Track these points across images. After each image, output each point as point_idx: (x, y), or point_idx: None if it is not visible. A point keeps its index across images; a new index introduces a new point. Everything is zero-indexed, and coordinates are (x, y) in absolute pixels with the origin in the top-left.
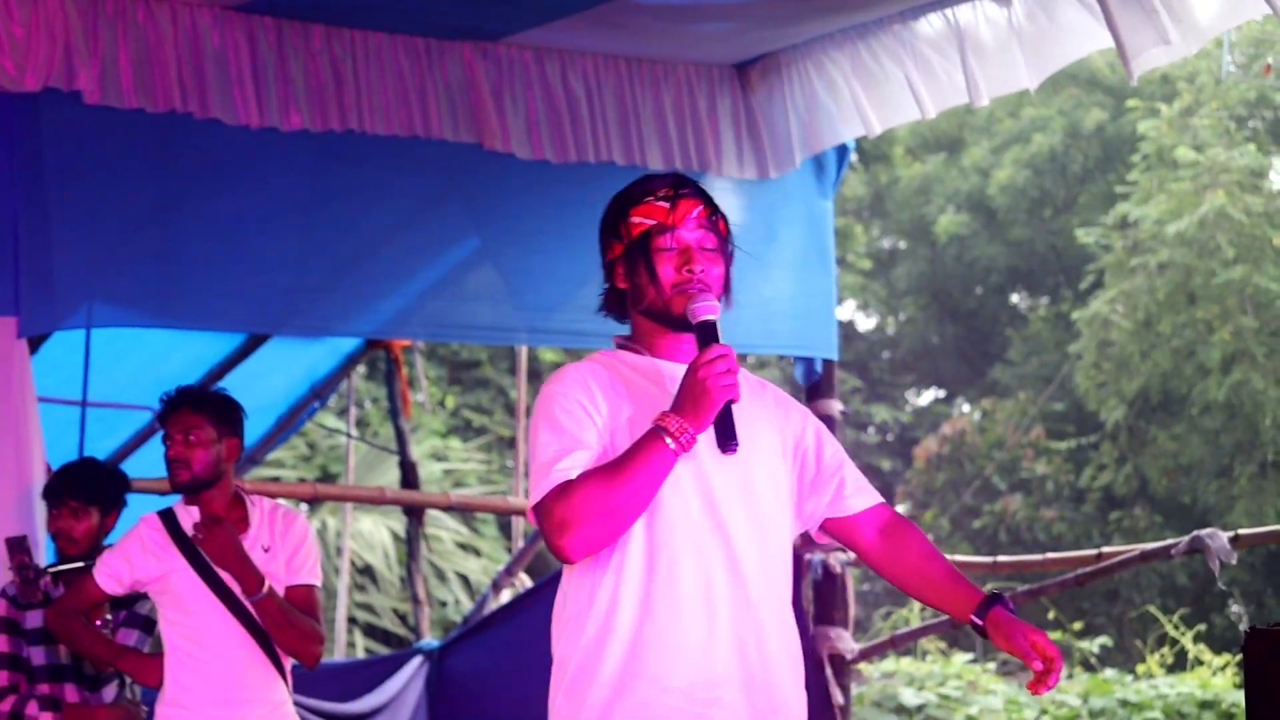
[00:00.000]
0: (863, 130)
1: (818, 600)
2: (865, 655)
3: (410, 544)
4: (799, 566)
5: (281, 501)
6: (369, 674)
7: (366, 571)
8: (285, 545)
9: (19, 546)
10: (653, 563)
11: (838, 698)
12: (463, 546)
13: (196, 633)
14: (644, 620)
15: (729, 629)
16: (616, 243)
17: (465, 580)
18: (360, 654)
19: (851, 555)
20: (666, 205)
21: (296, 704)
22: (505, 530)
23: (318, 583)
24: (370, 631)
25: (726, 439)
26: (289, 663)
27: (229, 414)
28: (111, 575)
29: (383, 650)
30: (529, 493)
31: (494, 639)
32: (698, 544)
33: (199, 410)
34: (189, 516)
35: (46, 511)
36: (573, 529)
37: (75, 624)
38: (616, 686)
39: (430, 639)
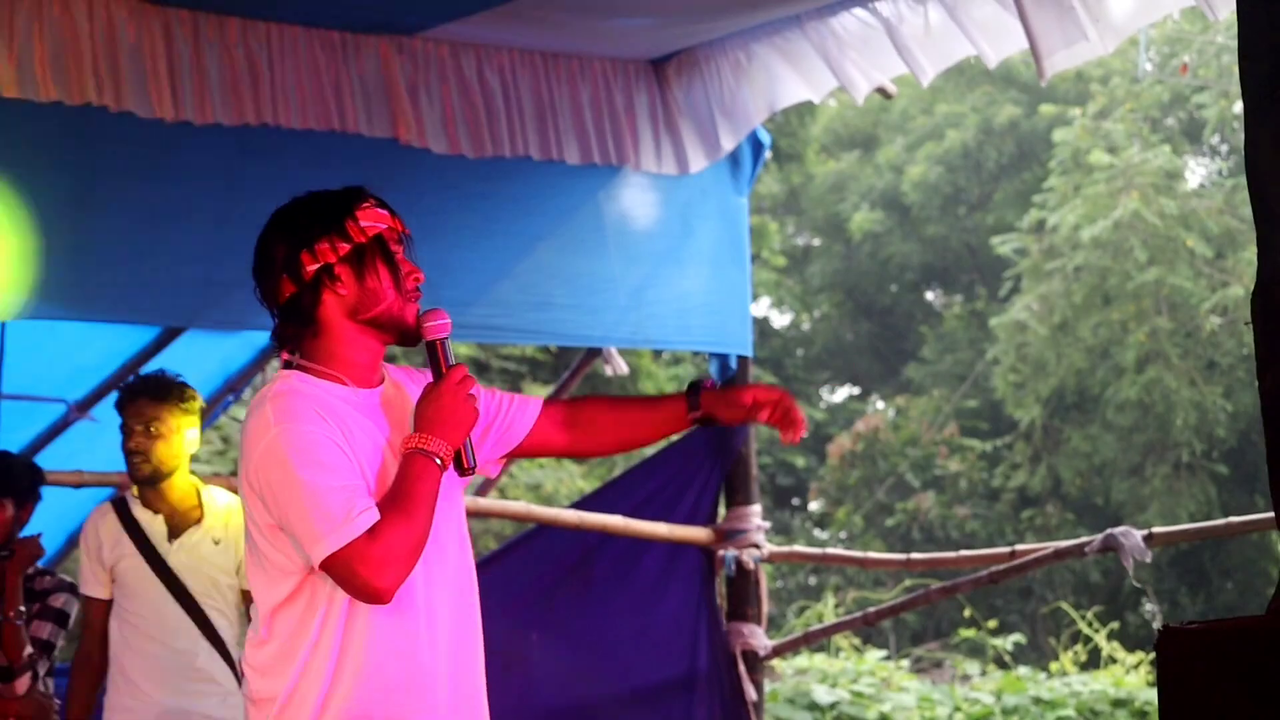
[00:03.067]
0: (773, 115)
1: (731, 596)
2: (778, 652)
3: None
4: (711, 563)
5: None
6: None
7: None
8: (239, 542)
9: None
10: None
11: (751, 694)
12: None
13: (143, 621)
14: (372, 653)
15: (448, 651)
16: (340, 244)
17: None
18: None
19: (765, 551)
20: (389, 214)
21: None
22: None
23: None
24: None
25: (467, 461)
26: (237, 653)
27: (190, 403)
28: (93, 582)
29: None
30: (310, 541)
31: None
32: (426, 567)
33: (160, 400)
34: (141, 505)
35: None
36: (393, 569)
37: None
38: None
39: None
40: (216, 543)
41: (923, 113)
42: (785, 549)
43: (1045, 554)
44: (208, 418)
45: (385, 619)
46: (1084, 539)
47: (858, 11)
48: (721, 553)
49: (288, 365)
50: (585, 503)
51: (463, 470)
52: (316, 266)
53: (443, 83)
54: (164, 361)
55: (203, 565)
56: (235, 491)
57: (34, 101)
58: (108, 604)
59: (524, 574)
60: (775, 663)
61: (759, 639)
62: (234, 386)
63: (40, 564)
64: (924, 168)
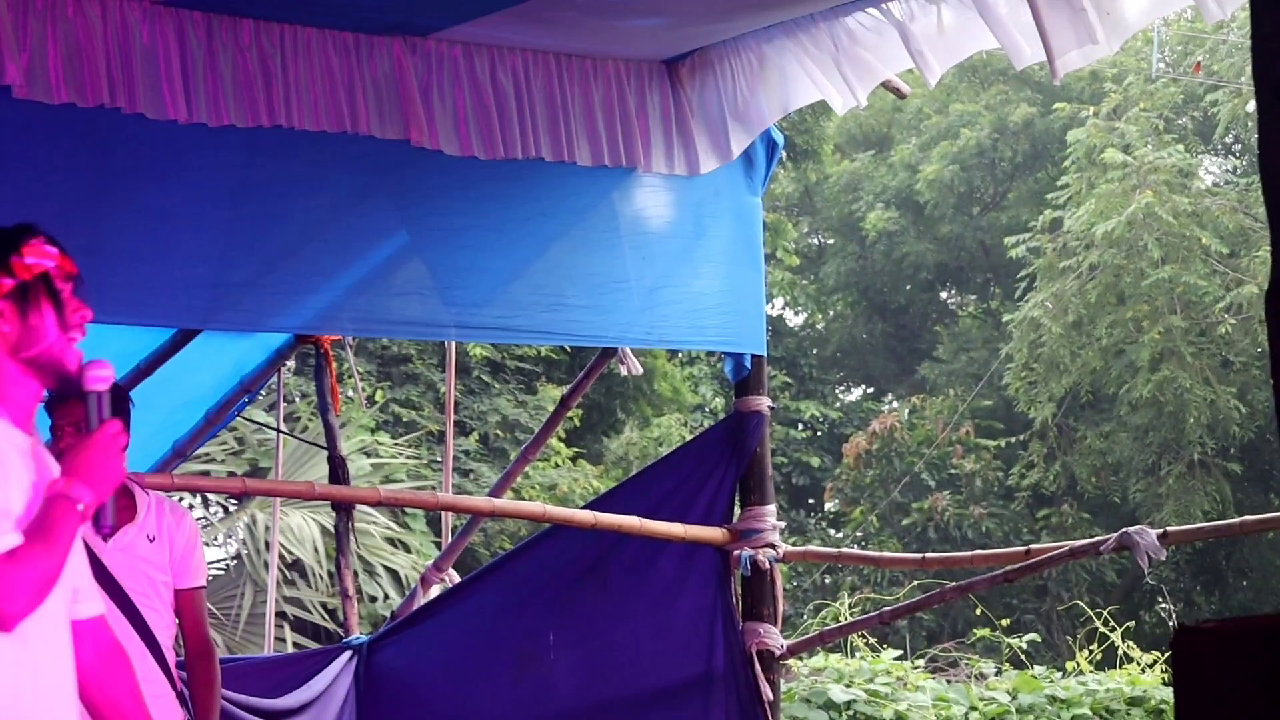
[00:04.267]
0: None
1: (746, 596)
2: (794, 651)
3: (339, 539)
4: (726, 563)
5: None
6: (297, 669)
7: (295, 566)
8: (175, 542)
9: None
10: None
11: (767, 694)
12: (392, 541)
13: None
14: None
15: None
16: (3, 279)
17: (395, 575)
18: (289, 649)
19: (780, 550)
20: (58, 252)
21: (225, 699)
22: (434, 525)
23: (205, 582)
24: (299, 626)
25: (105, 522)
26: (172, 655)
27: (118, 403)
28: None
29: (311, 645)
30: None
31: (423, 634)
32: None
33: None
34: None
35: None
36: (23, 597)
37: None
38: None
39: (359, 634)
40: (151, 540)
41: (937, 112)
42: (800, 549)
43: (1060, 553)
44: (223, 419)
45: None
46: (1099, 538)
47: (871, 10)
48: (737, 552)
49: None
50: (600, 503)
51: (99, 525)
52: None
53: (455, 84)
54: (178, 363)
55: (138, 564)
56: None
57: (46, 103)
58: None
59: (539, 574)
60: (791, 662)
61: (775, 638)
62: (249, 388)
63: None
64: (938, 167)
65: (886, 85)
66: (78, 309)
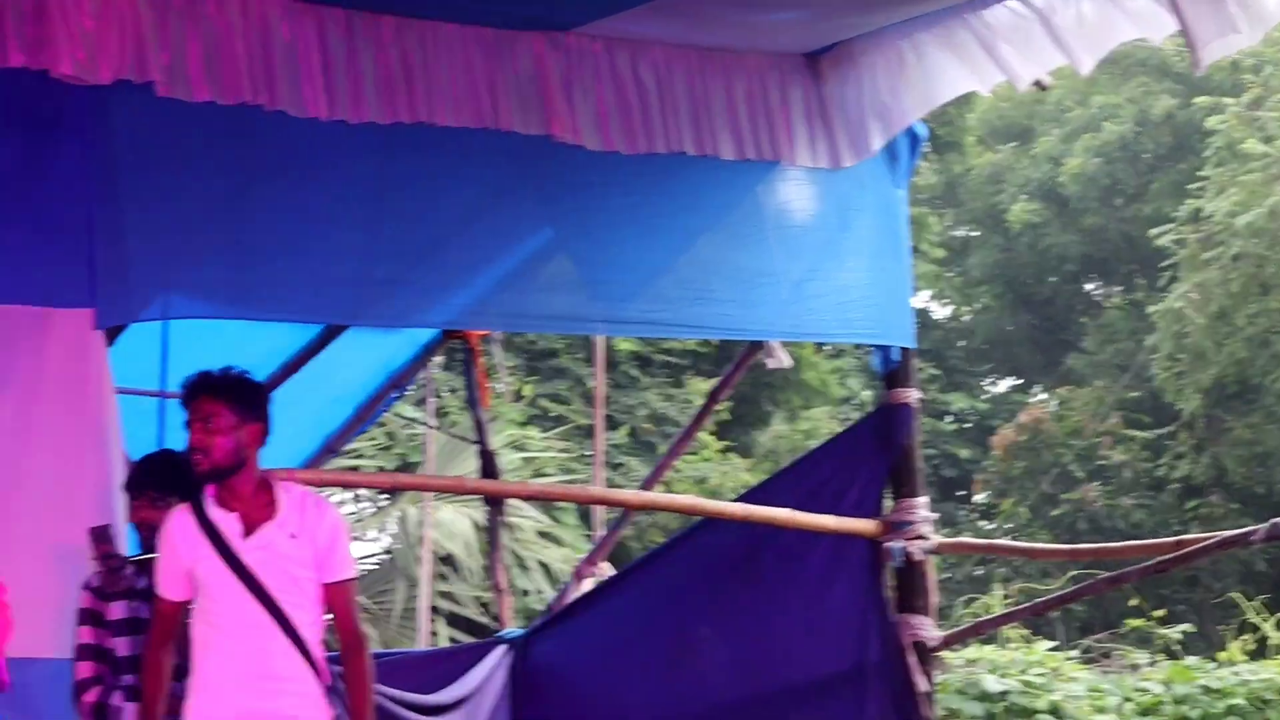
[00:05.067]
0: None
1: (899, 588)
2: (948, 643)
3: (491, 533)
4: (878, 555)
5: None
6: (452, 664)
7: (448, 560)
8: (318, 537)
9: (102, 536)
10: None
11: (922, 685)
12: (544, 535)
13: (221, 619)
14: None
15: None
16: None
17: (546, 569)
18: (443, 643)
19: (932, 542)
20: None
21: (381, 694)
22: (585, 519)
23: (354, 575)
24: (453, 620)
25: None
26: (319, 651)
27: (250, 398)
28: (168, 584)
29: (465, 639)
30: None
31: (578, 627)
32: None
33: (217, 396)
34: (215, 504)
35: (128, 502)
36: None
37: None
38: None
39: (513, 628)
40: (292, 537)
41: (1078, 104)
42: (953, 540)
43: (1211, 544)
44: (372, 414)
45: None
46: (1249, 528)
47: (1011, 4)
48: (889, 544)
49: None
50: (751, 496)
51: None
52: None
53: (597, 78)
54: (326, 359)
55: (279, 561)
56: (372, 490)
57: (188, 101)
58: (179, 609)
59: (692, 568)
60: (945, 654)
61: (929, 630)
62: (397, 383)
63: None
64: (1082, 160)
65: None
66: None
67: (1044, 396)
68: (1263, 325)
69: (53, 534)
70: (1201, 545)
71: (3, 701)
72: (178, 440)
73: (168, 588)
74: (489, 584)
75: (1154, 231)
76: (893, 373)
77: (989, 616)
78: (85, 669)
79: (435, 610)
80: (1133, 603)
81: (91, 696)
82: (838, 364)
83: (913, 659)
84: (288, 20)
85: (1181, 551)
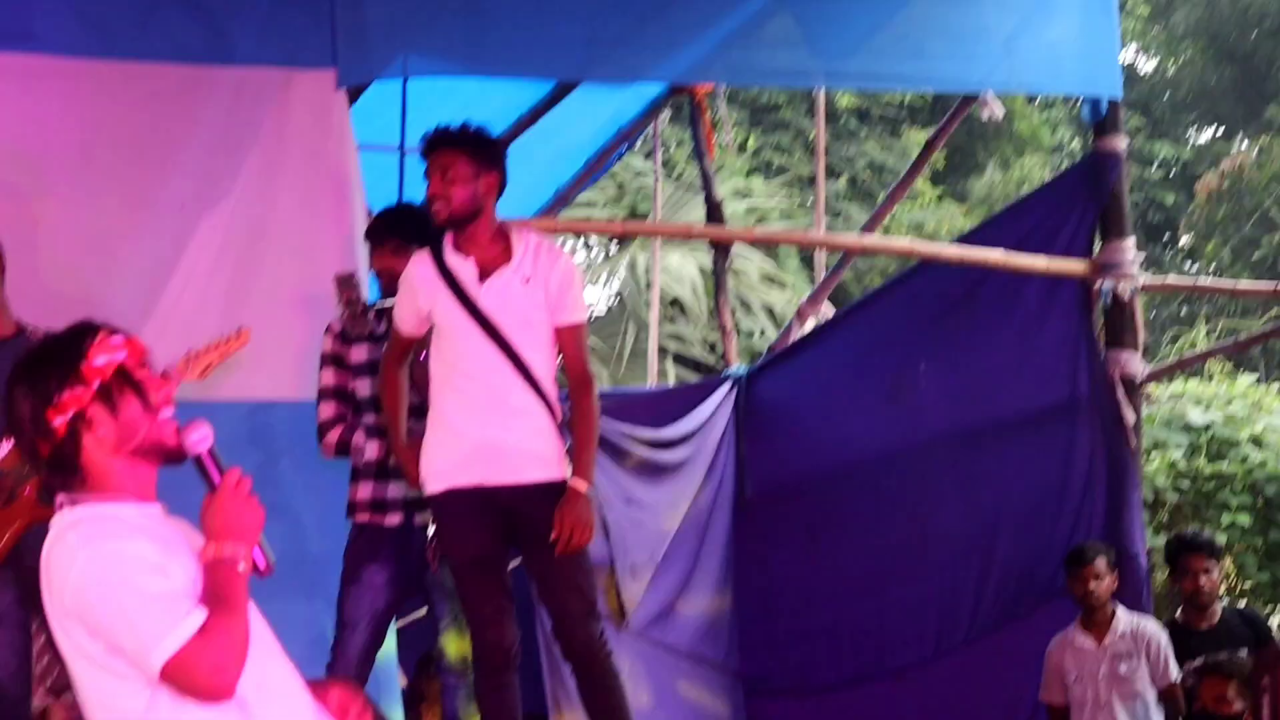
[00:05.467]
0: None
1: (1108, 326)
2: (1154, 377)
3: (717, 277)
4: (1088, 295)
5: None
6: (680, 400)
7: (676, 304)
8: (550, 281)
9: (348, 282)
10: None
11: (1129, 417)
12: (767, 279)
13: (459, 360)
14: None
15: None
16: (81, 389)
17: (770, 311)
18: (671, 382)
19: (1139, 282)
20: (123, 339)
21: (610, 431)
22: (807, 263)
23: (584, 318)
24: (680, 360)
25: (264, 563)
26: (553, 390)
27: (486, 149)
28: (404, 320)
29: (693, 378)
30: (143, 652)
31: (800, 365)
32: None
33: (456, 147)
34: (453, 250)
35: (369, 251)
36: (228, 667)
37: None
38: None
39: (738, 366)
40: (526, 281)
41: None
42: (1158, 280)
43: None
44: (602, 166)
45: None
46: None
47: None
48: (1098, 284)
49: (71, 503)
50: (967, 239)
51: (259, 573)
52: (65, 419)
53: None
54: (558, 114)
55: (513, 304)
56: (603, 236)
57: None
58: (413, 342)
59: (910, 308)
60: (1151, 388)
61: (1136, 365)
62: (626, 136)
63: None
64: None
65: None
66: (158, 385)
67: (1245, 145)
68: None
69: (298, 282)
70: None
71: (250, 442)
72: (417, 194)
73: (403, 322)
74: (715, 325)
75: None
76: (1101, 122)
77: (1193, 353)
78: (328, 410)
79: (663, 351)
80: None
81: (334, 436)
82: (1048, 114)
83: (1120, 393)
84: None
85: None
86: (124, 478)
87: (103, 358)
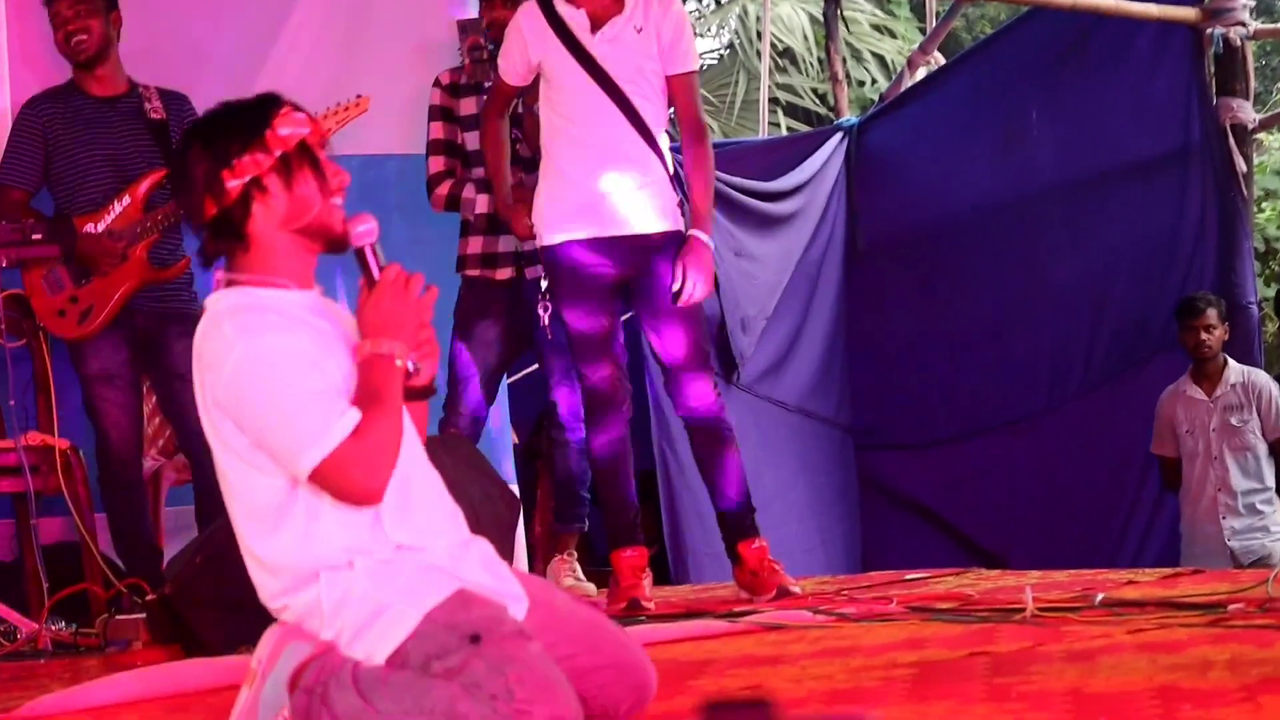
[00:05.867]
0: None
1: (1218, 73)
2: (1265, 126)
3: (828, 26)
4: (1199, 41)
5: None
6: (791, 151)
7: (786, 54)
8: (663, 30)
9: (473, 26)
10: None
11: (1240, 165)
12: (878, 29)
13: (570, 110)
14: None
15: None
16: (262, 156)
17: (881, 60)
18: (783, 132)
19: (1251, 28)
20: (308, 116)
21: (721, 183)
22: (918, 12)
23: (696, 67)
24: (791, 111)
25: (418, 378)
26: (664, 140)
27: None
28: (510, 70)
29: (803, 128)
30: (295, 452)
31: (911, 114)
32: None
33: None
34: (564, 0)
35: (479, 4)
36: (382, 467)
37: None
38: None
39: (849, 116)
40: (638, 30)
41: None
42: (1271, 26)
43: None
44: None
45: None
46: None
47: None
48: (1209, 31)
49: (228, 284)
50: None
51: (420, 391)
52: (241, 182)
53: None
54: None
55: (625, 54)
56: None
57: None
58: (516, 92)
59: (1021, 56)
60: (1261, 136)
61: (1247, 112)
62: None
63: None
64: None
65: None
66: (336, 172)
67: None
68: None
69: (409, 34)
70: None
71: (360, 197)
72: None
73: (508, 73)
74: (826, 75)
75: None
76: None
77: None
78: (437, 163)
79: (774, 102)
80: None
81: (444, 189)
82: None
83: (1232, 141)
84: None
85: None
86: (287, 257)
87: (287, 129)
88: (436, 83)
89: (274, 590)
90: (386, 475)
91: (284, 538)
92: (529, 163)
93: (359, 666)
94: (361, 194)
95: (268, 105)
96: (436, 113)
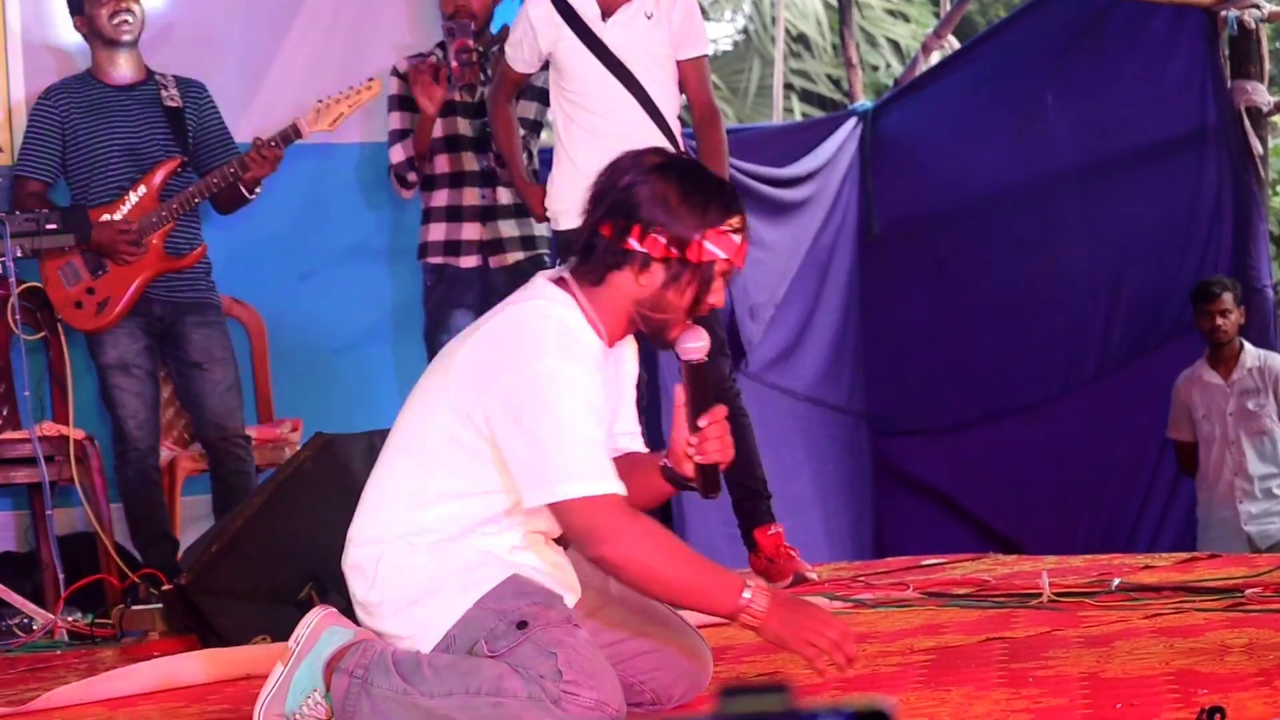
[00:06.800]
0: None
1: (1233, 56)
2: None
3: (842, 11)
4: (1214, 23)
5: None
6: (805, 136)
7: (801, 39)
8: (673, 16)
9: (461, 30)
10: None
11: (1256, 148)
12: (892, 13)
13: (583, 98)
14: None
15: None
16: (672, 247)
17: (895, 45)
18: (796, 118)
19: (1265, 10)
20: (738, 243)
21: (736, 168)
22: None
23: (707, 50)
24: (805, 97)
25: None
26: (677, 125)
27: None
28: (519, 58)
29: (818, 114)
30: (554, 478)
31: (926, 98)
32: None
33: None
34: None
35: None
36: (635, 549)
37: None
38: None
39: (863, 101)
40: (649, 17)
41: None
42: None
43: None
44: None
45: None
46: None
47: None
48: (1224, 13)
49: (559, 280)
50: None
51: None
52: (635, 245)
53: None
54: None
55: (638, 40)
56: None
57: None
58: (524, 80)
59: (1037, 38)
60: (1277, 119)
61: (1262, 95)
62: None
63: None
64: None
65: None
66: (714, 297)
67: None
68: None
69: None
70: None
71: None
72: None
73: (516, 60)
74: (840, 60)
75: None
76: None
77: None
78: (398, 152)
79: (788, 87)
80: None
81: (413, 178)
82: None
83: (1247, 123)
84: None
85: None
86: (618, 316)
87: (712, 246)
88: (394, 71)
89: (361, 525)
90: (628, 556)
91: (435, 487)
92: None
93: (399, 651)
94: (377, 178)
95: (720, 207)
96: (395, 102)
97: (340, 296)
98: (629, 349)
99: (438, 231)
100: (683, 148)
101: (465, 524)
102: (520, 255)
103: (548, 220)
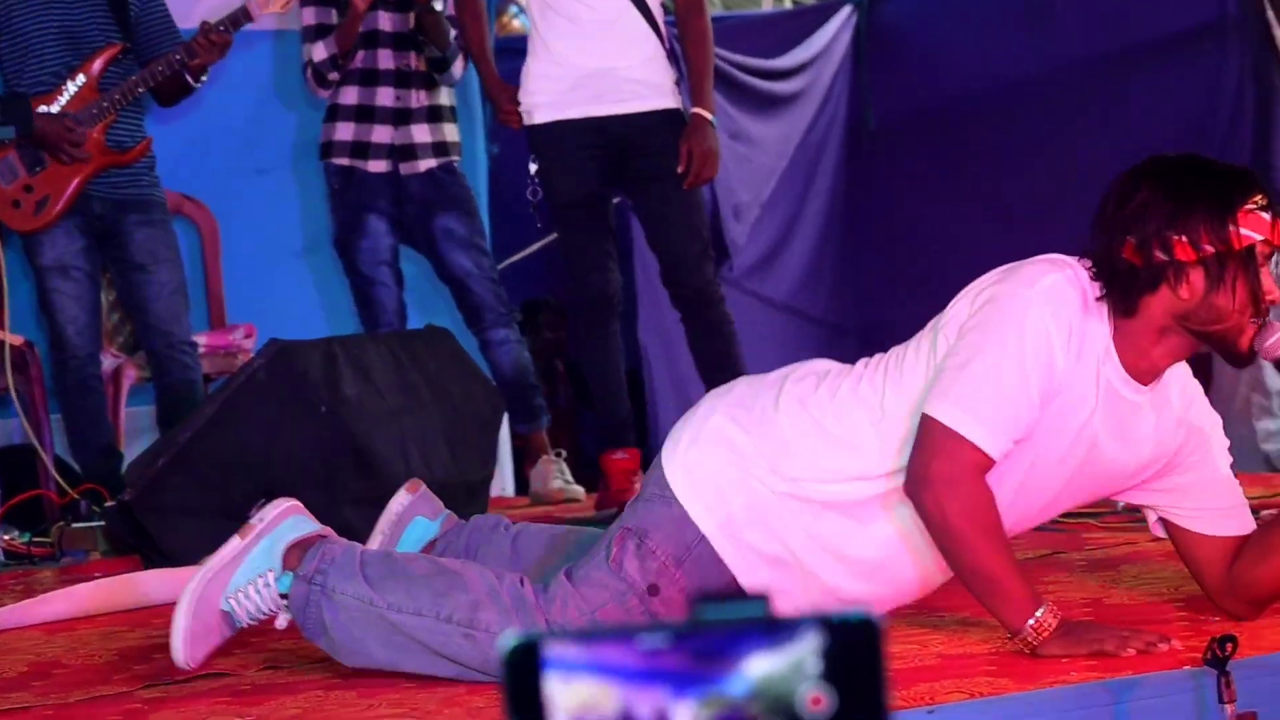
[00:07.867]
0: None
1: None
2: None
3: None
4: None
5: None
6: (797, 26)
7: None
8: None
9: None
10: None
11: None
12: None
13: None
14: None
15: None
16: (1205, 245)
17: None
18: (786, 5)
19: None
20: (1270, 219)
21: (718, 60)
22: None
23: None
24: None
25: None
26: (660, 12)
27: None
28: None
29: (810, 1)
30: (952, 398)
31: None
32: None
33: None
34: None
35: None
36: (955, 520)
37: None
38: None
39: None
40: None
41: None
42: None
43: None
44: None
45: None
46: None
47: None
48: None
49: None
50: None
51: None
52: (1152, 259)
53: None
54: None
55: None
56: None
57: None
58: None
59: None
60: None
61: None
62: None
63: None
64: None
65: None
66: (1270, 291)
67: None
68: None
69: None
70: None
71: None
72: None
73: None
74: None
75: None
76: None
77: None
78: (319, 50)
79: None
80: None
81: (335, 76)
82: None
83: (1270, 12)
84: None
85: None
86: (1154, 346)
87: (1247, 228)
88: None
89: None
90: (957, 513)
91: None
92: (427, 76)
93: (368, 551)
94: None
95: (1240, 188)
96: None
97: (298, 194)
98: (1181, 400)
99: (345, 131)
100: (665, 35)
101: (847, 472)
102: (433, 162)
103: (515, 121)
